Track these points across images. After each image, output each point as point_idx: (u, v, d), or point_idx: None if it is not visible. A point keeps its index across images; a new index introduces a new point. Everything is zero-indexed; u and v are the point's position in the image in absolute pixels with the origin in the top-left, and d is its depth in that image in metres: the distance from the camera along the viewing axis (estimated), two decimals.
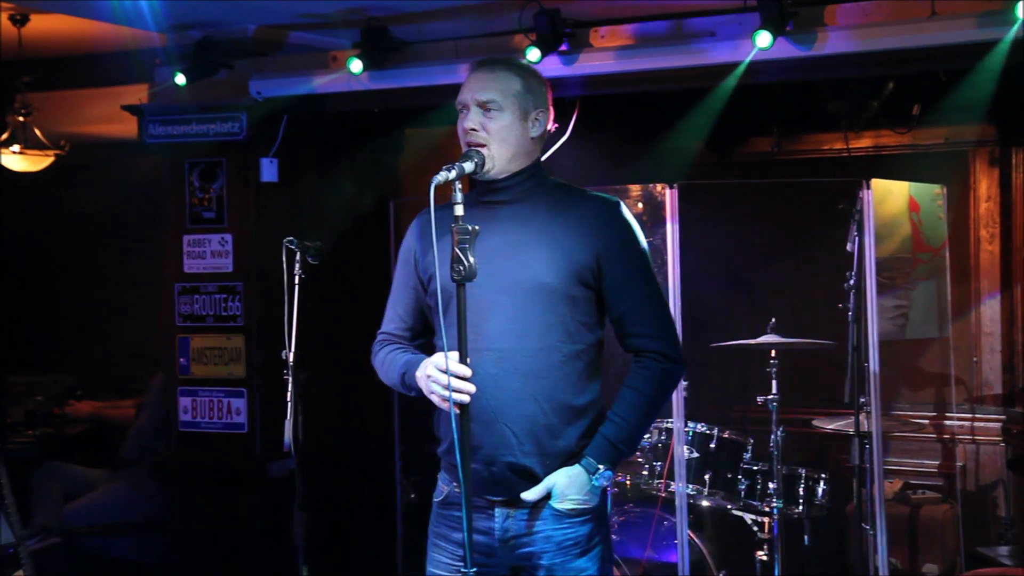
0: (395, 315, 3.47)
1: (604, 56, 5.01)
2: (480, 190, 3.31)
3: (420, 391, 3.25)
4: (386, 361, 3.41)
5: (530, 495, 3.21)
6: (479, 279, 3.03)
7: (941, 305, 6.05)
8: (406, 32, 5.33)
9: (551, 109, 3.37)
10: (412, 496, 6.41)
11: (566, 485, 3.20)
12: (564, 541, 3.23)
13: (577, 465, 3.20)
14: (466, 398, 3.04)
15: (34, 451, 7.00)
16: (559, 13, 4.90)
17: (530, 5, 4.89)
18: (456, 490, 3.26)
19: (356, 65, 5.27)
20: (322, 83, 5.51)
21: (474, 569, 3.03)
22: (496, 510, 3.26)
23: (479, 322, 3.14)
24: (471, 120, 3.23)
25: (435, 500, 3.41)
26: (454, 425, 3.00)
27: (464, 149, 3.24)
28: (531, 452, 3.19)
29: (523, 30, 4.99)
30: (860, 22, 4.57)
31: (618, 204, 3.30)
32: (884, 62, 4.71)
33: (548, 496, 3.21)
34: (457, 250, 2.97)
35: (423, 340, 3.46)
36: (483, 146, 3.21)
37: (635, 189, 5.95)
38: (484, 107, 3.23)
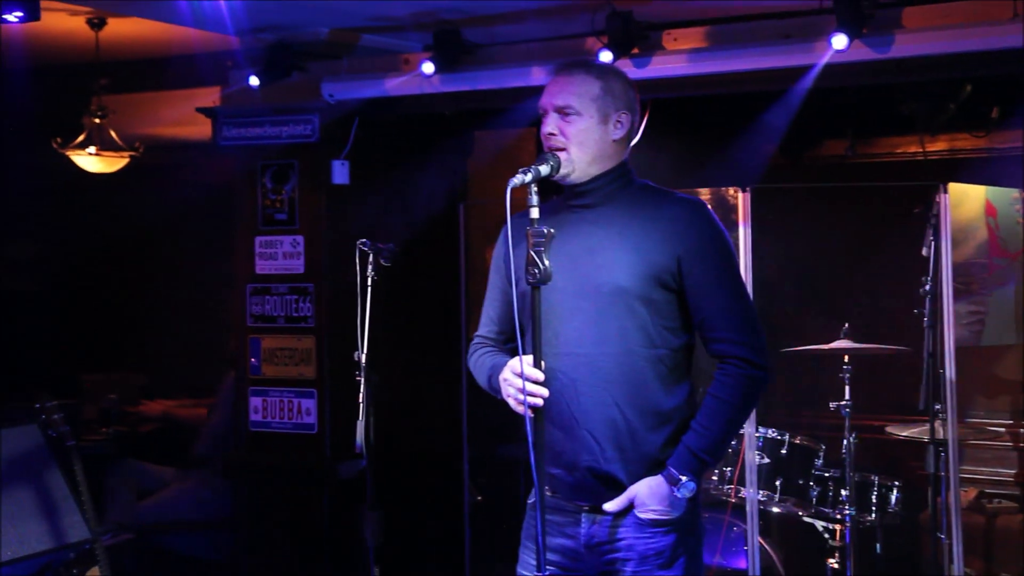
0: (488, 319, 3.48)
1: (677, 59, 4.98)
2: (566, 194, 3.30)
3: None
4: (477, 364, 3.43)
5: (612, 505, 3.20)
6: (560, 283, 3.04)
7: (1018, 311, 5.95)
8: (478, 35, 5.34)
9: (636, 110, 3.33)
10: (479, 498, 6.41)
11: (647, 495, 3.17)
12: (647, 551, 3.20)
13: (659, 475, 3.17)
14: (539, 402, 3.04)
15: (108, 449, 7.08)
16: (631, 15, 4.89)
17: (603, 8, 4.88)
18: (548, 493, 3.26)
19: (428, 68, 5.28)
20: (394, 85, 5.53)
21: (549, 570, 3.05)
22: (582, 515, 3.25)
23: (559, 326, 3.15)
24: (550, 125, 3.23)
25: (528, 502, 3.41)
26: (528, 429, 3.00)
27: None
28: (613, 458, 3.18)
29: (595, 33, 4.98)
30: (939, 24, 4.50)
31: (702, 206, 3.25)
32: (963, 65, 4.64)
33: (632, 504, 3.20)
34: (532, 253, 2.97)
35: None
36: (563, 150, 3.21)
37: (705, 192, 5.91)
38: (562, 112, 3.22)
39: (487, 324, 3.49)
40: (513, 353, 3.32)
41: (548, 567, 3.16)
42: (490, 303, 3.49)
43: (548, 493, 3.26)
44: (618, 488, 3.19)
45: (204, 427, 6.84)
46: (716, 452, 3.21)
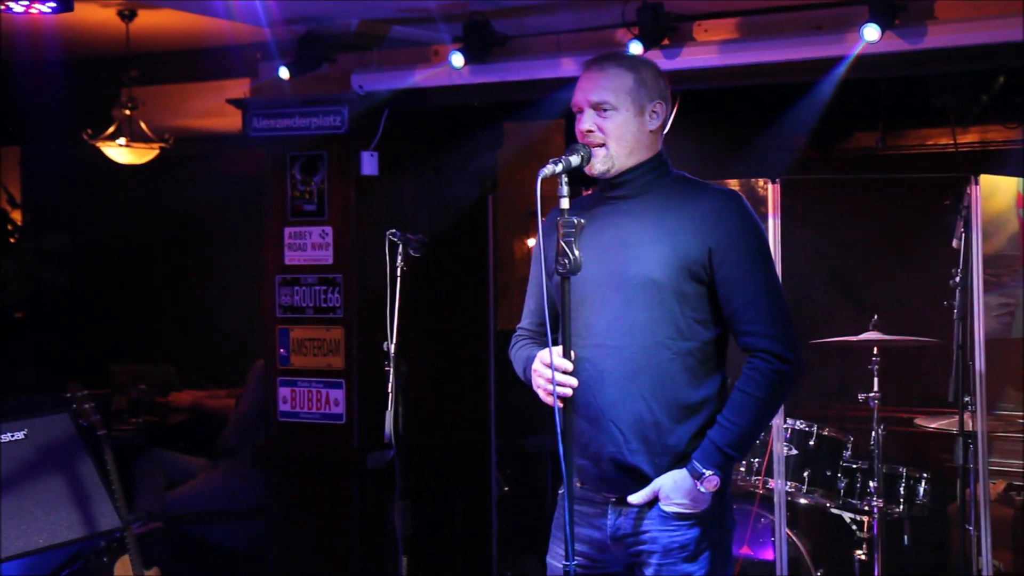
0: (528, 311, 3.50)
1: (707, 50, 4.97)
2: (603, 185, 3.30)
3: None
4: (516, 356, 3.44)
5: (636, 498, 3.19)
6: (592, 274, 3.04)
7: None
8: (508, 26, 5.34)
9: (668, 99, 3.32)
10: (506, 489, 6.43)
11: (671, 489, 3.16)
12: (670, 544, 3.19)
13: (684, 468, 3.16)
14: (568, 392, 3.05)
15: (137, 439, 7.13)
16: (662, 7, 4.88)
17: None
18: (578, 485, 3.26)
19: (458, 59, 5.29)
20: (423, 77, 5.54)
21: (576, 560, 3.05)
22: (609, 507, 3.25)
23: (589, 317, 3.15)
24: (587, 122, 3.21)
25: (559, 492, 3.42)
26: (557, 419, 3.01)
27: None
28: (639, 450, 3.17)
29: (626, 24, 4.97)
30: (971, 15, 4.47)
31: (736, 197, 3.23)
32: (996, 56, 4.59)
33: (657, 497, 3.19)
34: (562, 243, 2.98)
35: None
36: (602, 146, 3.20)
37: (734, 184, 5.89)
38: (598, 108, 3.20)
39: (528, 316, 3.50)
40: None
41: (576, 557, 3.16)
42: (530, 294, 3.50)
43: (577, 484, 3.26)
44: (643, 480, 3.18)
45: (232, 416, 6.87)
46: (742, 446, 3.18)
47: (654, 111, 3.25)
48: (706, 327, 3.20)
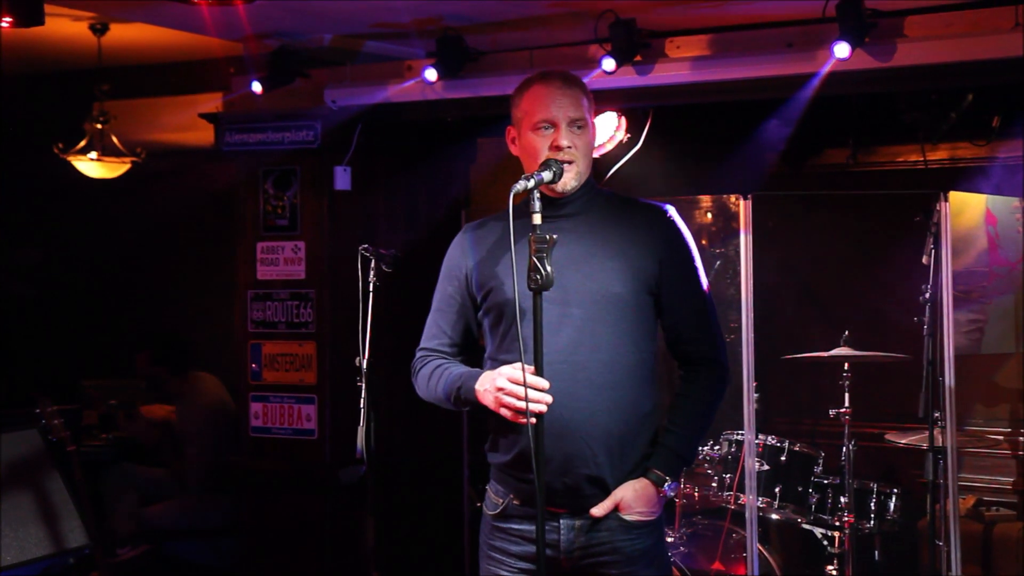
0: (439, 331, 3.43)
1: (679, 66, 4.99)
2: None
3: (475, 405, 3.24)
4: (433, 376, 3.36)
5: (599, 510, 3.21)
6: (547, 292, 3.03)
7: (1017, 320, 5.97)
8: (481, 42, 5.34)
9: None
10: (478, 504, 6.40)
11: (633, 498, 3.21)
12: (633, 552, 3.23)
13: (643, 479, 3.21)
14: (544, 408, 3.04)
15: (107, 454, 7.09)
16: (634, 23, 4.90)
17: (606, 15, 4.88)
18: (514, 503, 3.27)
19: (431, 74, 5.29)
20: (396, 92, 5.53)
21: None
22: (561, 522, 3.24)
23: (550, 335, 3.12)
24: (566, 138, 3.23)
25: (488, 513, 3.38)
26: (531, 437, 3.00)
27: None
28: (604, 463, 3.20)
29: (598, 40, 4.98)
30: (941, 33, 4.51)
31: (672, 211, 3.33)
32: (965, 74, 4.63)
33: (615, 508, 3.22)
34: (534, 259, 2.97)
35: (465, 356, 3.44)
36: (572, 162, 3.23)
37: (705, 199, 5.92)
38: (574, 124, 3.24)
39: (437, 336, 3.43)
40: (468, 366, 3.34)
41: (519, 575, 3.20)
42: (441, 314, 3.44)
43: (515, 503, 3.28)
44: (604, 491, 3.21)
45: (188, 467, 6.76)
46: (694, 452, 3.34)
47: (593, 129, 3.37)
48: (652, 339, 3.29)
